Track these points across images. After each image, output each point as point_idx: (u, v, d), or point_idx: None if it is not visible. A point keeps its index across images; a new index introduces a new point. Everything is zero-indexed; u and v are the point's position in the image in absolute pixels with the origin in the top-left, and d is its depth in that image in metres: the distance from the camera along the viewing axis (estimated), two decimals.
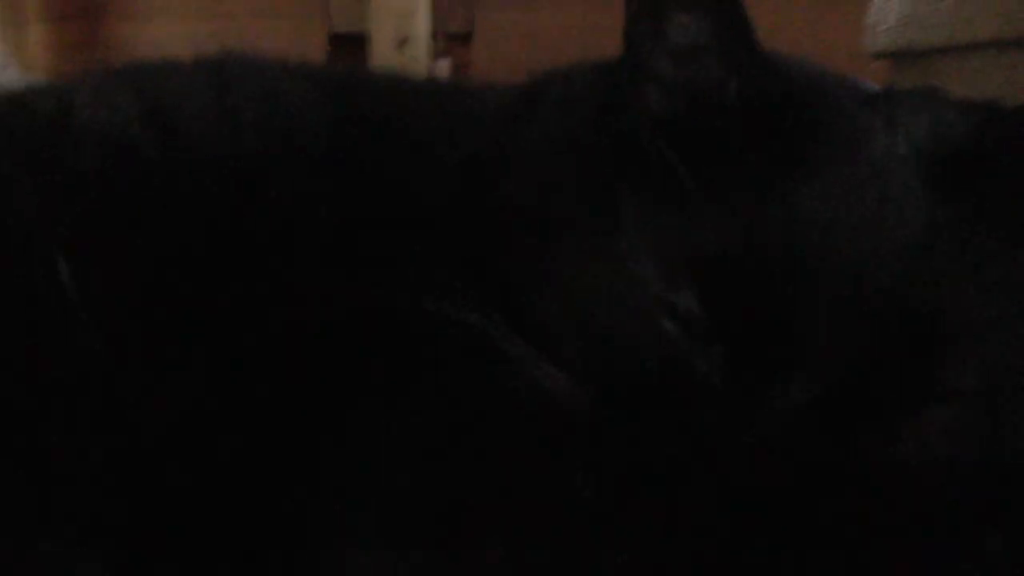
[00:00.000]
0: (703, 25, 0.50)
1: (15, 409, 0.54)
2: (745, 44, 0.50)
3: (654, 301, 0.48)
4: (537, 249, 0.53)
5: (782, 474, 0.45)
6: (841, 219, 0.47)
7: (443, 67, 1.86)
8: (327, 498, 0.54)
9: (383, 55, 1.79)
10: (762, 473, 0.45)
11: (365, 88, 0.68)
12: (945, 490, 0.47)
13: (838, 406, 0.46)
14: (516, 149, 0.59)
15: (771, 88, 0.50)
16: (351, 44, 1.85)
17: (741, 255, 0.47)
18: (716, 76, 0.51)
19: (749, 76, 0.50)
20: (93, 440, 0.54)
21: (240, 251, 0.57)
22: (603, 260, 0.50)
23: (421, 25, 1.81)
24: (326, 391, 0.55)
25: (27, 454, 0.54)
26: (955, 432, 0.47)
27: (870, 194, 0.47)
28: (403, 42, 1.81)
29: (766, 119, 0.49)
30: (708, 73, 0.51)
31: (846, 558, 0.46)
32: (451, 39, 1.90)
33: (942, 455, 0.47)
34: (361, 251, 0.58)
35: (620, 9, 0.52)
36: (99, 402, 0.55)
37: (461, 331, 0.52)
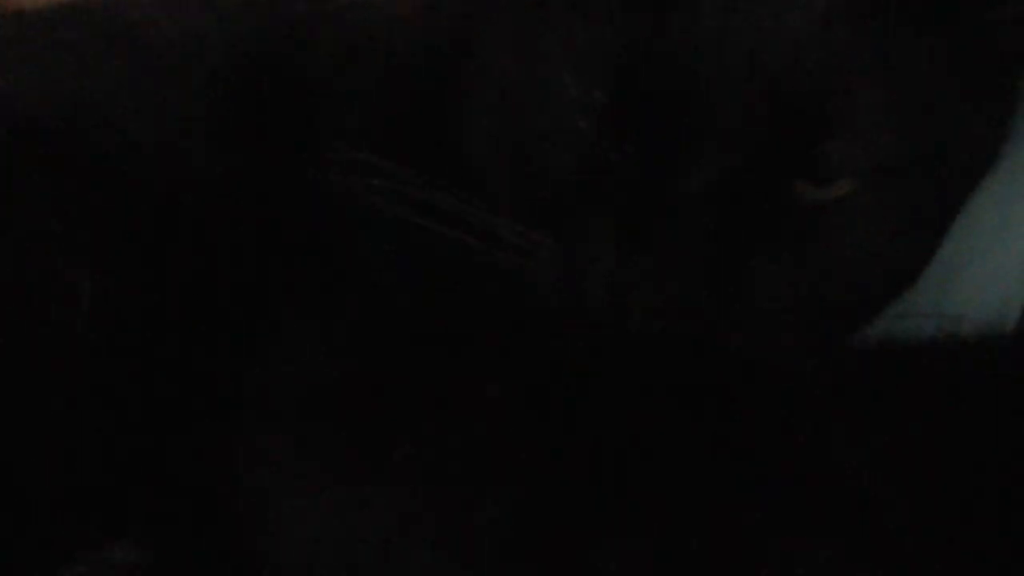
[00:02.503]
0: None
1: None
2: None
3: (571, 102, 0.53)
4: (466, 80, 0.58)
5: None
6: (739, 13, 0.51)
7: None
8: (259, 380, 0.56)
9: None
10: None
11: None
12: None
13: (735, 183, 0.50)
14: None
15: None
16: None
17: (649, 54, 0.51)
18: None
19: None
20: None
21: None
22: (527, 70, 0.56)
23: None
24: (261, 277, 0.58)
25: None
26: (857, 213, 0.51)
27: None
28: None
29: None
30: None
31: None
32: None
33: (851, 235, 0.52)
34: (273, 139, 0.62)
35: None
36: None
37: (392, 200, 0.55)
